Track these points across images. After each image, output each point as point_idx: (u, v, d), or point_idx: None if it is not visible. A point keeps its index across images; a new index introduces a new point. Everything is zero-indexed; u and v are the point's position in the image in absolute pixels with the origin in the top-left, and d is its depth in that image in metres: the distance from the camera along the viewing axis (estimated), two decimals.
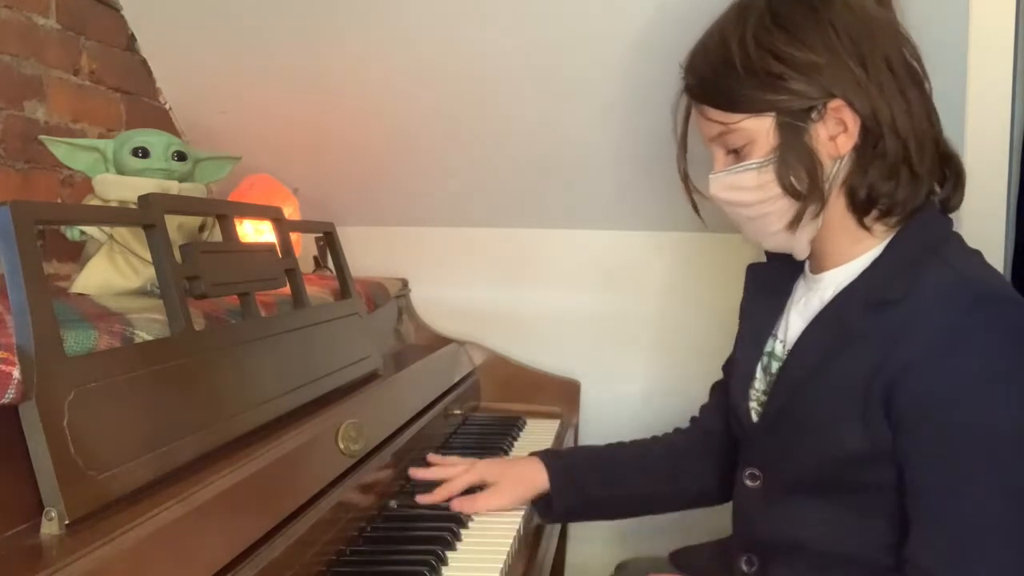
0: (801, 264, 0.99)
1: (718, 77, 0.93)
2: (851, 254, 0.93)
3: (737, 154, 0.93)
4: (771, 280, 1.04)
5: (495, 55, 1.45)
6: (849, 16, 0.89)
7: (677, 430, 1.19)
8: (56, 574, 0.53)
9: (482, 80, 1.49)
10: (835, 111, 0.88)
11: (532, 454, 1.14)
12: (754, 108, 0.90)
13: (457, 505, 1.05)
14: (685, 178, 1.04)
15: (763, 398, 0.99)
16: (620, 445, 1.18)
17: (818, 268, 0.96)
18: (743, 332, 1.06)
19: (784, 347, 0.98)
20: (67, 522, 0.59)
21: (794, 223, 0.91)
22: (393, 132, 1.62)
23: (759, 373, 1.00)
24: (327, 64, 1.51)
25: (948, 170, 0.93)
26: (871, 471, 0.86)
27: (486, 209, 1.74)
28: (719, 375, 1.18)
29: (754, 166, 0.91)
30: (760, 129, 0.90)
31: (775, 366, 0.98)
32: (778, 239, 0.95)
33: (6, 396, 0.59)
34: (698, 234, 1.71)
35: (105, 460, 0.64)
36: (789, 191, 0.90)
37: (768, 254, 1.05)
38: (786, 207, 0.91)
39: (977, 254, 0.91)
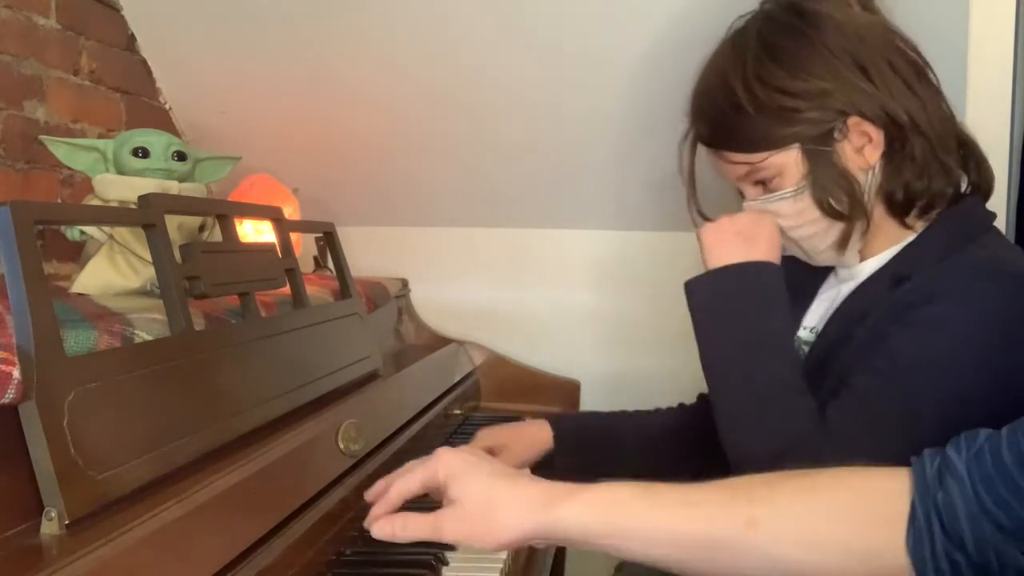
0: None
1: (731, 122, 0.93)
2: (885, 246, 0.94)
3: (765, 185, 0.94)
4: (802, 271, 1.05)
5: (496, 55, 1.45)
6: (840, 33, 0.89)
7: (682, 406, 1.20)
8: (56, 574, 0.53)
9: (483, 80, 1.49)
10: (855, 126, 0.89)
11: (544, 417, 1.17)
12: (777, 144, 0.91)
13: None
14: (695, 205, 1.06)
15: None
16: (625, 415, 1.20)
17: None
18: None
19: (814, 334, 0.99)
20: (67, 522, 0.59)
21: (843, 242, 0.92)
22: (393, 132, 1.62)
23: None
24: (327, 64, 1.51)
25: (968, 153, 0.93)
26: None
27: (486, 209, 1.74)
28: None
29: (789, 194, 0.92)
30: (787, 161, 0.91)
31: (803, 351, 1.00)
32: (827, 256, 0.96)
33: (6, 396, 0.59)
34: None
35: (105, 460, 0.64)
36: (829, 213, 0.91)
37: None
38: (828, 226, 0.92)
39: (1016, 248, 0.92)
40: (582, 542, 0.67)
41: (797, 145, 0.90)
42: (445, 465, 0.72)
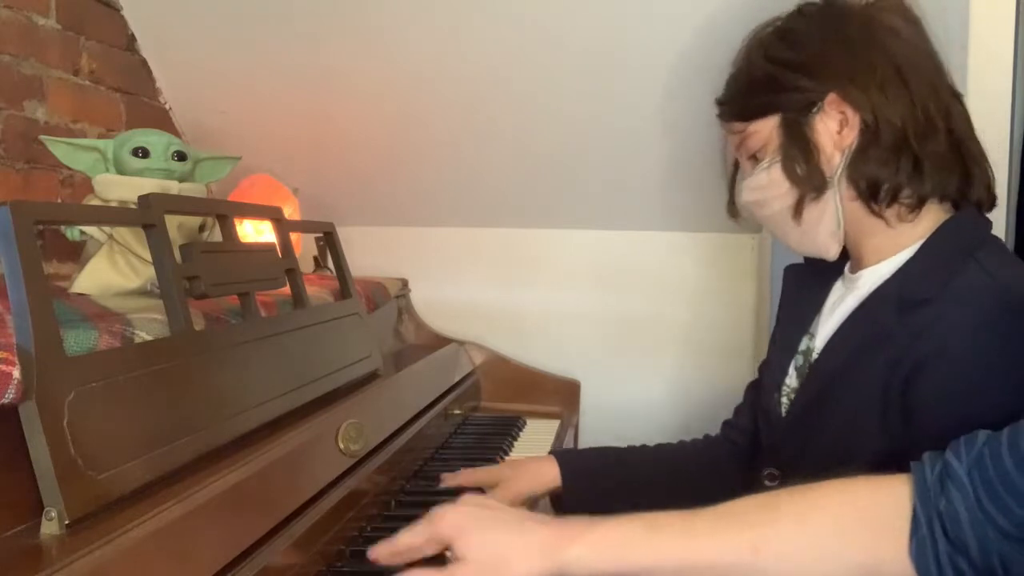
0: (841, 266, 1.01)
1: (731, 91, 1.00)
2: (886, 251, 0.93)
3: (756, 161, 0.97)
4: (809, 281, 1.05)
5: (495, 56, 1.45)
6: (859, 25, 0.92)
7: (707, 437, 1.18)
8: (56, 574, 0.53)
9: (483, 81, 1.49)
10: (834, 104, 0.91)
11: (551, 453, 1.14)
12: (758, 112, 0.95)
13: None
14: (731, 199, 1.06)
15: (793, 396, 1.00)
16: (644, 449, 1.16)
17: (855, 267, 0.98)
18: (779, 331, 1.07)
19: (821, 342, 0.98)
20: (67, 522, 0.59)
21: (797, 210, 0.94)
22: (394, 132, 1.62)
23: (792, 371, 1.01)
24: (327, 64, 1.51)
25: (970, 165, 0.93)
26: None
27: (486, 209, 1.74)
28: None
29: (765, 165, 0.95)
30: (768, 131, 0.95)
31: (807, 364, 0.99)
32: (796, 235, 0.97)
33: (6, 396, 0.59)
34: (699, 234, 1.72)
35: (105, 460, 0.64)
36: (791, 179, 0.93)
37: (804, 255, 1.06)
38: (793, 198, 0.94)
39: (1016, 261, 0.91)
40: None
41: (778, 116, 0.94)
42: (448, 524, 0.72)
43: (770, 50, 0.95)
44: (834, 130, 0.91)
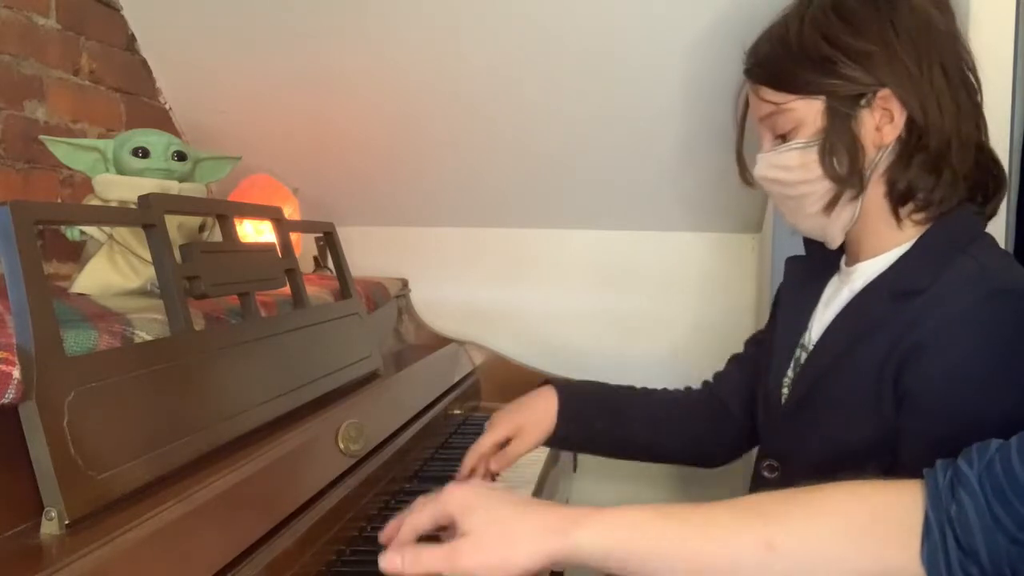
0: (838, 260, 1.01)
1: (775, 58, 0.95)
2: (884, 247, 0.94)
3: (784, 139, 0.95)
4: (808, 274, 1.05)
5: (495, 56, 1.45)
6: (910, 17, 0.91)
7: (688, 388, 1.20)
8: (56, 574, 0.53)
9: (483, 81, 1.49)
10: (883, 101, 0.89)
11: (546, 381, 1.17)
12: (805, 90, 0.92)
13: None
14: (740, 159, 1.05)
15: (791, 387, 1.00)
16: (631, 389, 1.20)
17: (852, 260, 0.98)
18: (779, 323, 1.07)
19: (814, 338, 0.99)
20: (67, 522, 0.59)
21: (830, 206, 0.93)
22: (394, 131, 1.62)
23: (792, 363, 1.01)
24: (327, 64, 1.51)
25: (988, 177, 0.93)
26: (882, 465, 0.86)
27: (486, 209, 1.74)
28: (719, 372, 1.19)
29: (799, 146, 0.93)
30: (809, 112, 0.92)
31: (804, 356, 1.00)
32: (813, 222, 0.96)
33: (6, 396, 0.59)
34: (699, 234, 1.72)
35: (105, 460, 0.64)
36: (829, 174, 0.91)
37: (806, 248, 1.06)
38: (825, 189, 0.93)
39: (1007, 255, 0.92)
40: (601, 566, 0.67)
41: (823, 99, 0.91)
42: (456, 500, 0.71)
43: (825, 28, 0.91)
44: (874, 126, 0.90)
